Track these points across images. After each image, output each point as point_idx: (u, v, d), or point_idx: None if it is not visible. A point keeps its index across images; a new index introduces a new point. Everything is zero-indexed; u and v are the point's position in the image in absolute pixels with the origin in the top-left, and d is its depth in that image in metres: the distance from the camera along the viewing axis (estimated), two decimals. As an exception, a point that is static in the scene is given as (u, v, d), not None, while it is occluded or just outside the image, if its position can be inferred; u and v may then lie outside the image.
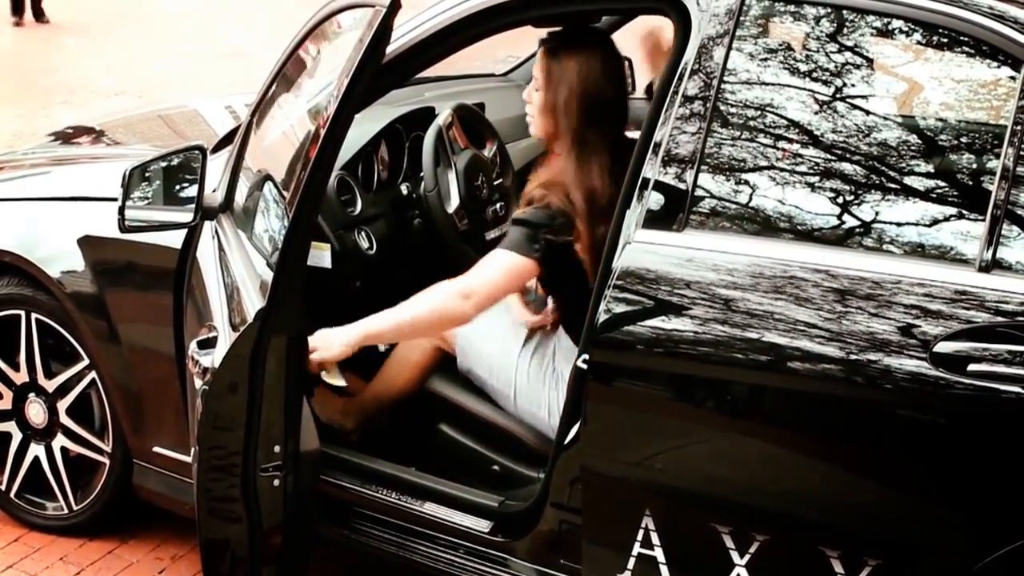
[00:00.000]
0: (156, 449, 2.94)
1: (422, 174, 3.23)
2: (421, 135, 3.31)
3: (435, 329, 2.69)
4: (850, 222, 2.21)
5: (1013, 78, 2.11)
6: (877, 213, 2.19)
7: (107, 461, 3.07)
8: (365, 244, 3.11)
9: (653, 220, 2.26)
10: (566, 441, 2.36)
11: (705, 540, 2.22)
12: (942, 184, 2.22)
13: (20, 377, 3.12)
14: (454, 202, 3.21)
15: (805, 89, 2.31)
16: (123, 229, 2.51)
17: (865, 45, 2.33)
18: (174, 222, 2.56)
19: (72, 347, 3.01)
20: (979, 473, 2.01)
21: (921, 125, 2.34)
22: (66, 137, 3.87)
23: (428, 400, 2.89)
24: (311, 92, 2.61)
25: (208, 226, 2.67)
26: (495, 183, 3.42)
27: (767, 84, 2.32)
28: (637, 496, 2.30)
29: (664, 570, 2.29)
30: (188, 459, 2.88)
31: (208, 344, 2.35)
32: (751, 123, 2.29)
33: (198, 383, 2.36)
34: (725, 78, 2.26)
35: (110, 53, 9.20)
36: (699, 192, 2.25)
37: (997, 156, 2.08)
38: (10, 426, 3.18)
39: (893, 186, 2.21)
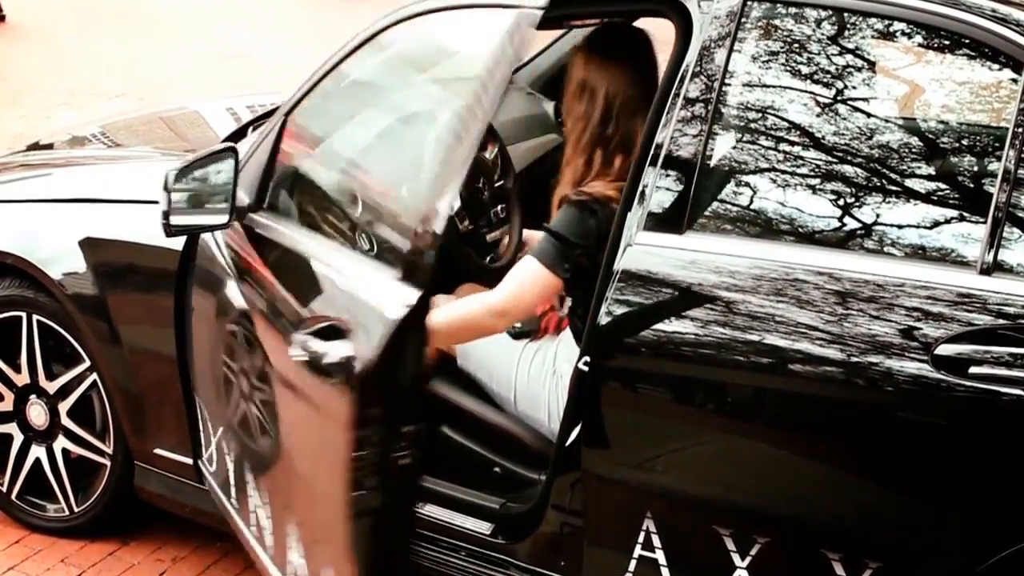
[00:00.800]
0: (157, 451, 2.94)
1: None
2: None
3: (464, 339, 2.72)
4: (852, 224, 2.21)
5: (1014, 80, 2.11)
6: (878, 216, 2.20)
7: (108, 463, 3.07)
8: (367, 246, 3.10)
9: (654, 222, 2.26)
10: (567, 443, 2.36)
11: (706, 542, 2.22)
12: (943, 187, 2.22)
13: (21, 379, 3.12)
14: (455, 204, 3.21)
15: (806, 92, 2.31)
16: (169, 234, 2.51)
17: (866, 48, 2.33)
18: (211, 224, 2.56)
19: (73, 349, 3.02)
20: (980, 475, 2.01)
21: (922, 128, 2.34)
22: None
23: (429, 401, 2.88)
24: (420, 97, 2.61)
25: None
26: (496, 185, 3.41)
27: (768, 87, 2.33)
28: (638, 498, 2.30)
29: (665, 572, 2.29)
30: (189, 461, 2.88)
31: (329, 334, 2.21)
32: (752, 125, 2.29)
33: (308, 378, 2.23)
34: (726, 80, 2.26)
35: (111, 54, 9.20)
36: (700, 194, 2.26)
37: (998, 159, 2.08)
38: (11, 428, 3.18)
39: (894, 188, 2.21)
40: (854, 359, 2.06)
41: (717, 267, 2.19)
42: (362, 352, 2.08)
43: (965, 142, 2.28)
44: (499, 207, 3.42)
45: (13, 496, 3.22)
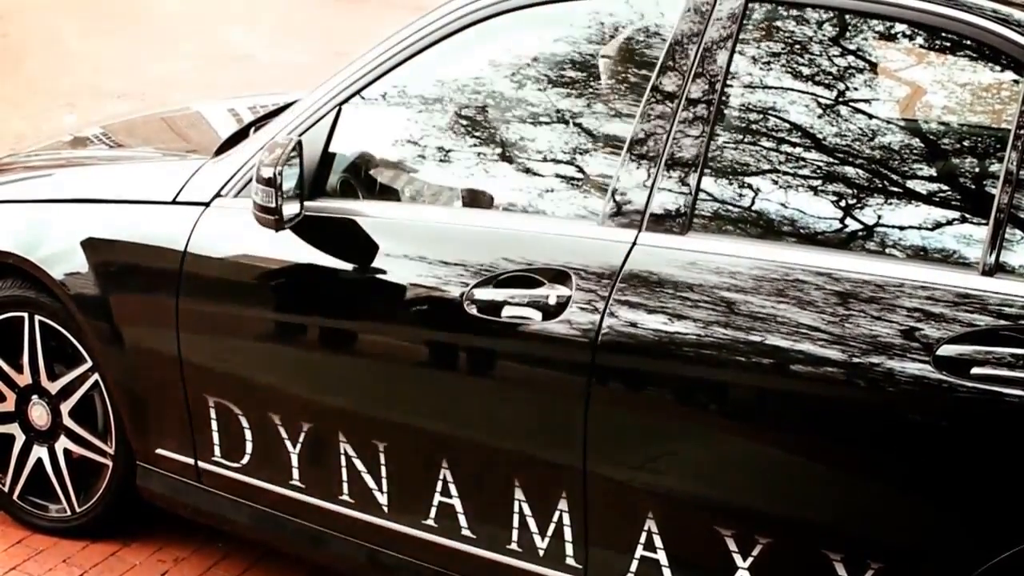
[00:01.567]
0: (159, 451, 2.94)
1: None
2: None
3: None
4: (853, 225, 2.21)
5: (1016, 82, 2.11)
6: (880, 216, 2.20)
7: (110, 463, 3.07)
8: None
9: (656, 223, 2.27)
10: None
11: (708, 543, 2.22)
12: (945, 188, 2.23)
13: (23, 379, 3.12)
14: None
15: (808, 93, 2.31)
16: (279, 229, 2.52)
17: (868, 49, 2.33)
18: (292, 216, 2.56)
19: (75, 349, 3.01)
20: (982, 476, 2.01)
21: (924, 129, 2.34)
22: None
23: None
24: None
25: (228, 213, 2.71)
26: None
27: (770, 88, 2.33)
28: (640, 499, 2.30)
29: (667, 572, 2.29)
30: (191, 461, 2.89)
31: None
32: (754, 127, 2.30)
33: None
34: (728, 82, 2.27)
35: (113, 55, 9.20)
36: (702, 195, 2.26)
37: (1000, 160, 2.09)
38: (13, 428, 3.18)
39: (896, 190, 2.21)
40: (855, 360, 2.06)
41: (718, 268, 2.19)
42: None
43: (967, 143, 2.28)
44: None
45: (15, 496, 3.22)
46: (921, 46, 2.31)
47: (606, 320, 2.25)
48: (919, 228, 2.16)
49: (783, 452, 2.18)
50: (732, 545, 2.20)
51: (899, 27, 2.27)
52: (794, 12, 2.31)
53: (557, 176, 2.54)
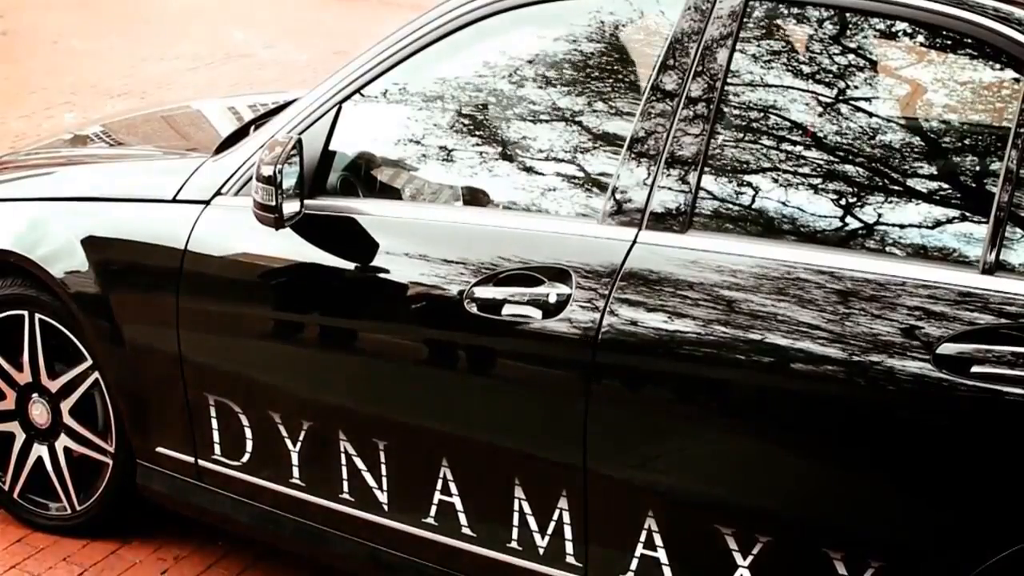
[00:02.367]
0: (159, 449, 2.94)
1: None
2: None
3: None
4: (853, 224, 2.21)
5: (1017, 80, 2.12)
6: (880, 215, 2.20)
7: (110, 462, 3.07)
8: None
9: (656, 222, 2.27)
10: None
11: (708, 541, 2.23)
12: (945, 186, 2.23)
13: (23, 377, 3.12)
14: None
15: (809, 91, 2.31)
16: (279, 228, 2.52)
17: (868, 47, 2.33)
18: (292, 214, 2.56)
19: (75, 347, 3.02)
20: (982, 475, 2.01)
21: (924, 127, 2.34)
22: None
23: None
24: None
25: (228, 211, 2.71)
26: None
27: (770, 86, 2.33)
28: (640, 497, 2.30)
29: (667, 571, 2.29)
30: (191, 459, 2.89)
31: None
32: (754, 125, 2.30)
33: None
34: (728, 80, 2.27)
35: (113, 54, 9.20)
36: (702, 194, 2.26)
37: (1000, 158, 2.09)
38: (13, 426, 3.18)
39: (896, 188, 2.21)
40: (856, 358, 2.06)
41: (719, 266, 2.20)
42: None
43: (967, 141, 2.28)
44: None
45: (15, 495, 3.22)
46: (921, 44, 2.31)
47: (606, 318, 2.25)
48: (919, 226, 2.16)
49: (783, 450, 2.18)
50: (732, 543, 2.20)
51: (899, 25, 2.27)
52: (794, 10, 2.31)
53: (557, 174, 2.54)
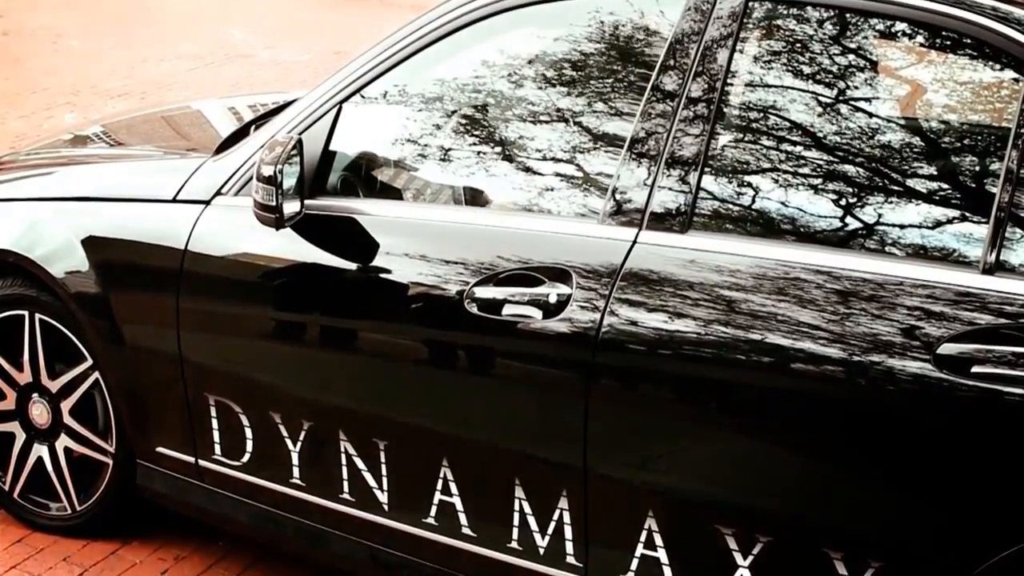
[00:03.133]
0: (160, 450, 2.94)
1: None
2: None
3: None
4: (853, 224, 2.21)
5: (1017, 80, 2.12)
6: (880, 215, 2.20)
7: (110, 462, 3.07)
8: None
9: (656, 222, 2.27)
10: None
11: (708, 541, 2.23)
12: (945, 186, 2.23)
13: (24, 377, 3.12)
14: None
15: (808, 91, 2.31)
16: (279, 228, 2.52)
17: (868, 47, 2.33)
18: (292, 214, 2.56)
19: (76, 347, 3.02)
20: (983, 475, 2.01)
21: (924, 127, 2.34)
22: None
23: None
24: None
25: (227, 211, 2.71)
26: None
27: (770, 86, 2.33)
28: (641, 497, 2.30)
29: (667, 571, 2.29)
30: (191, 459, 2.89)
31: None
32: (754, 125, 2.30)
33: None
34: (728, 80, 2.27)
35: (113, 54, 9.20)
36: (702, 194, 2.26)
37: (1000, 158, 2.09)
38: (13, 426, 3.18)
39: (896, 188, 2.21)
40: (856, 358, 2.06)
41: (719, 266, 2.20)
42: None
43: (967, 142, 2.28)
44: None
45: (15, 495, 3.22)
46: (921, 44, 2.31)
47: (606, 318, 2.25)
48: (919, 226, 2.16)
49: (783, 450, 2.18)
50: (732, 544, 2.21)
51: (899, 25, 2.27)
52: (794, 11, 2.31)
53: (557, 175, 2.54)
